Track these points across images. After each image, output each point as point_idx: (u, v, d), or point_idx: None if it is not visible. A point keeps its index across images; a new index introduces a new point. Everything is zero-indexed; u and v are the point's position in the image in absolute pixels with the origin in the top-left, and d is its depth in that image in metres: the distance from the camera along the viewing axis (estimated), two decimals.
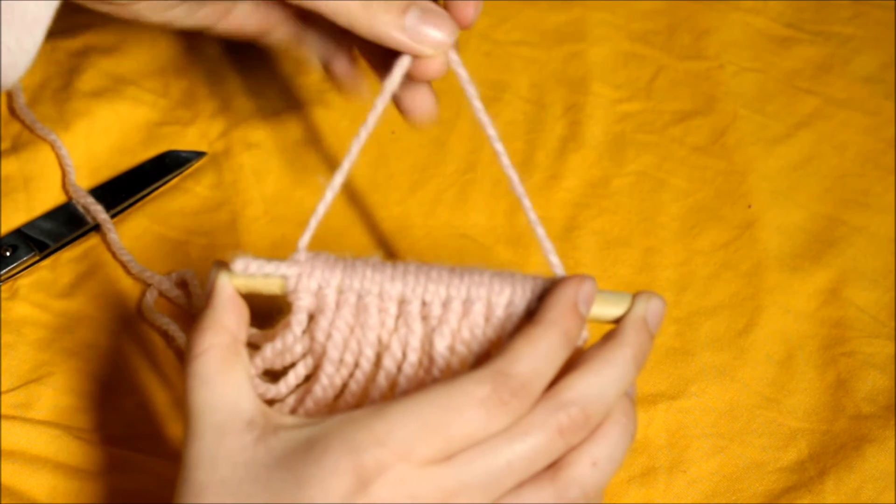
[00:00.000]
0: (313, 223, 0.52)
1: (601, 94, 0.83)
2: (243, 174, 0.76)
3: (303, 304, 0.51)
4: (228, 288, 0.51)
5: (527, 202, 0.53)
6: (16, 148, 0.75)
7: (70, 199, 0.73)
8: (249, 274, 0.51)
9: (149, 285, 0.70)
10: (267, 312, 0.54)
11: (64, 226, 0.72)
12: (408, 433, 0.45)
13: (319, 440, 0.46)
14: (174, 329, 0.67)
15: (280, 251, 0.73)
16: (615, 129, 0.81)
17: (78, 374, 0.66)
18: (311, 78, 0.82)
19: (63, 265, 0.71)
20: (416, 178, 0.78)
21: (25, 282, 0.70)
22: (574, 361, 0.49)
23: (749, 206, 0.77)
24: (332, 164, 0.78)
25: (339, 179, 0.53)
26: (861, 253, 0.74)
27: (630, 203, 0.77)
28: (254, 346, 0.52)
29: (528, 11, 0.88)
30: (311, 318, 0.52)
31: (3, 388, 0.65)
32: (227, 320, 0.50)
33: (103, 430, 0.64)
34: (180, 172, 0.76)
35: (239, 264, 0.51)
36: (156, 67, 0.82)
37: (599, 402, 0.48)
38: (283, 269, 0.51)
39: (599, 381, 0.48)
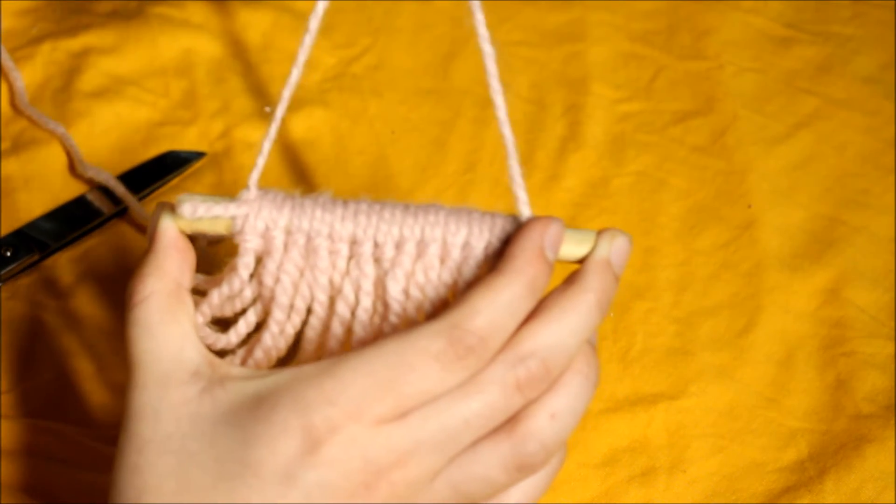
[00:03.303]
0: (261, 161, 0.50)
1: (601, 94, 0.83)
2: (243, 174, 0.76)
3: (249, 245, 0.49)
4: (172, 230, 0.49)
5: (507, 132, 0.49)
6: (16, 148, 0.75)
7: (90, 183, 0.74)
8: (196, 217, 0.48)
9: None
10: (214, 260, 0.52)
11: (64, 226, 0.72)
12: (359, 391, 0.43)
13: (268, 397, 0.44)
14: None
15: None
16: (615, 129, 0.81)
17: (78, 374, 0.66)
18: (311, 78, 0.82)
19: (63, 265, 0.71)
20: (416, 178, 0.78)
21: (26, 282, 0.70)
22: (536, 308, 0.46)
23: (749, 206, 0.77)
24: (331, 165, 0.78)
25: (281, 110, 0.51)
26: (861, 253, 0.74)
27: (630, 203, 0.77)
28: (201, 293, 0.50)
29: (528, 11, 0.88)
30: (259, 260, 0.49)
31: (3, 388, 0.65)
32: (169, 265, 0.48)
33: (103, 430, 0.64)
34: (180, 172, 0.76)
35: (186, 207, 0.48)
36: (156, 67, 0.82)
37: (560, 353, 0.45)
38: (232, 209, 0.48)
39: (561, 330, 0.45)
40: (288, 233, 0.49)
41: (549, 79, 0.84)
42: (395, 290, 0.48)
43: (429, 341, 0.44)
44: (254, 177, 0.50)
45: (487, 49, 0.51)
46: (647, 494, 0.63)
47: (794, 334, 0.70)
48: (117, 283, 0.71)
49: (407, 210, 0.48)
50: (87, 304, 0.69)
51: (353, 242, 0.48)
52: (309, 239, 0.48)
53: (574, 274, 0.47)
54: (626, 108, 0.82)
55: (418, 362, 0.44)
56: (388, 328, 0.48)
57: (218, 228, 0.49)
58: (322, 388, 0.43)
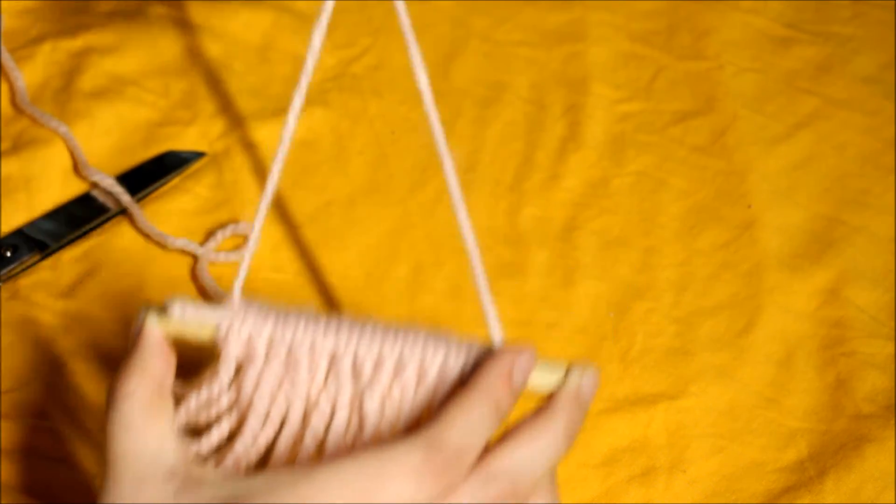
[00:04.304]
0: (243, 272, 0.51)
1: (601, 94, 0.83)
2: (243, 174, 0.76)
3: (232, 352, 0.49)
4: (157, 332, 0.50)
5: (478, 269, 0.51)
6: (17, 148, 0.75)
7: (91, 184, 0.74)
8: (183, 318, 0.49)
9: (194, 256, 0.71)
10: (190, 368, 0.52)
11: (65, 226, 0.72)
12: (335, 499, 0.44)
13: (244, 501, 0.45)
14: (217, 291, 0.68)
15: (280, 252, 0.73)
16: (615, 129, 0.81)
17: (78, 374, 0.66)
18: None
19: (64, 265, 0.71)
20: (416, 178, 0.78)
21: (26, 282, 0.70)
22: (505, 431, 0.48)
23: (749, 206, 0.77)
24: (331, 165, 0.78)
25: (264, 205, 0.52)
26: (861, 253, 0.74)
27: (630, 203, 0.77)
28: (177, 399, 0.50)
29: (528, 11, 0.88)
30: (240, 368, 0.50)
31: (3, 388, 0.65)
32: (153, 365, 0.49)
33: (104, 430, 0.64)
34: (180, 172, 0.76)
35: (176, 309, 0.49)
36: (156, 67, 0.82)
37: (528, 476, 0.47)
38: (218, 315, 0.49)
39: (530, 454, 0.47)
40: (271, 343, 0.50)
41: (549, 79, 0.84)
42: (370, 407, 0.49)
43: (407, 454, 0.45)
44: (237, 285, 0.51)
45: (423, 80, 0.54)
46: (647, 494, 0.63)
47: (794, 334, 0.70)
48: (118, 283, 0.71)
49: (388, 330, 0.50)
50: (87, 304, 0.69)
51: (334, 357, 0.49)
52: (290, 351, 0.49)
53: (545, 404, 0.49)
54: (626, 108, 0.82)
55: (396, 474, 0.44)
56: (360, 444, 0.49)
57: (202, 334, 0.50)
58: (297, 494, 0.44)
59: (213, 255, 0.71)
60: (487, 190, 0.77)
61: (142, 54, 0.82)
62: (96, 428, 0.64)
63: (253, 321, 0.50)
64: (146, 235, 0.72)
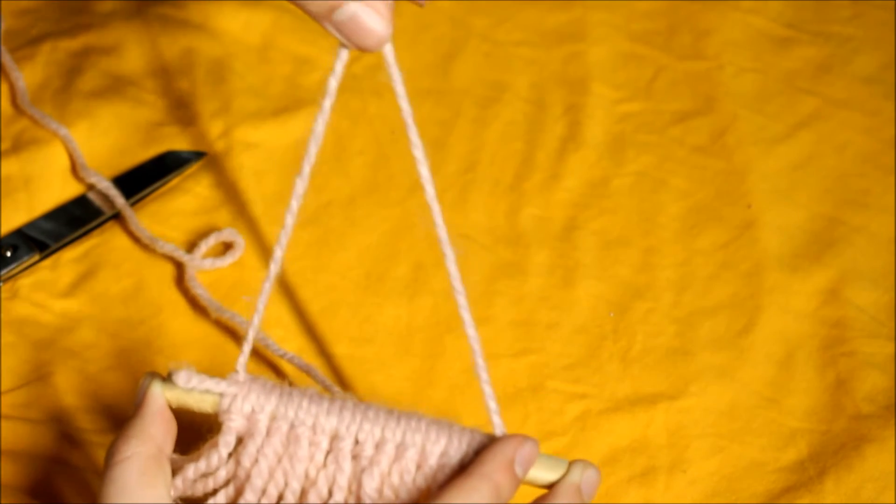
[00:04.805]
0: (247, 348, 0.51)
1: (601, 94, 0.83)
2: (243, 174, 0.76)
3: (233, 425, 0.50)
4: (160, 399, 0.50)
5: (468, 319, 0.51)
6: (16, 148, 0.75)
7: (88, 186, 0.74)
8: (188, 387, 0.50)
9: (180, 263, 0.70)
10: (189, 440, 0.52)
11: (64, 226, 0.72)
12: None
13: None
14: (209, 300, 0.68)
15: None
16: (615, 129, 0.81)
17: (78, 374, 0.66)
18: (311, 78, 0.82)
19: (63, 265, 0.71)
20: (416, 178, 0.77)
21: (26, 282, 0.70)
22: None
23: (749, 206, 0.77)
24: (331, 165, 0.78)
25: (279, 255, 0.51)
26: (861, 253, 0.74)
27: (630, 203, 0.77)
28: (175, 468, 0.51)
29: (528, 11, 0.88)
30: (240, 441, 0.50)
31: (3, 388, 0.65)
32: (154, 430, 0.49)
33: (104, 431, 0.64)
34: (180, 172, 0.76)
35: (181, 376, 0.50)
36: (156, 67, 0.82)
37: None
38: (222, 387, 0.50)
39: None
40: (273, 419, 0.50)
41: (549, 79, 0.84)
42: (369, 489, 0.49)
43: None
44: (241, 361, 0.51)
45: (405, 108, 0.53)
46: (647, 494, 0.63)
47: (794, 334, 0.70)
48: (117, 284, 0.71)
49: (391, 413, 0.50)
50: (87, 304, 0.69)
51: (335, 437, 0.49)
52: (292, 427, 0.50)
53: (546, 494, 0.49)
54: (626, 108, 0.82)
55: None
56: None
57: (204, 405, 0.50)
58: None
59: (199, 262, 0.70)
60: (487, 190, 0.77)
61: (142, 54, 0.82)
62: (94, 428, 0.64)
63: (256, 396, 0.50)
64: (137, 239, 0.72)
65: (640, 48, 0.86)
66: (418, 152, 0.53)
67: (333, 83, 0.52)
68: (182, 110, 0.80)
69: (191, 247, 0.72)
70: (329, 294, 0.71)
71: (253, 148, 0.78)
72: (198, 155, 0.77)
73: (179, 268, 0.71)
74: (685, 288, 0.72)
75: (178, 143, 0.78)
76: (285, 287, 0.71)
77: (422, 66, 0.84)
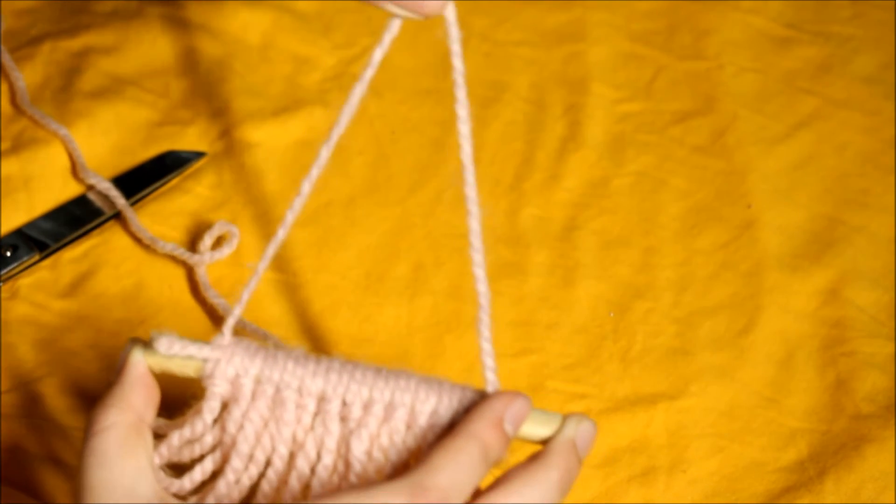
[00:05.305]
0: (237, 310, 0.50)
1: (601, 94, 0.83)
2: (243, 174, 0.76)
3: (217, 390, 0.49)
4: (141, 366, 0.49)
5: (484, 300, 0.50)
6: (16, 148, 0.75)
7: (88, 187, 0.74)
8: (170, 353, 0.49)
9: (190, 265, 0.71)
10: (174, 404, 0.52)
11: (64, 226, 0.72)
12: None
13: None
14: (225, 305, 0.68)
15: (280, 252, 0.73)
16: (615, 129, 0.81)
17: (78, 374, 0.66)
18: (311, 78, 0.82)
19: (63, 265, 0.71)
20: (416, 178, 0.78)
21: (26, 282, 0.70)
22: (497, 479, 0.47)
23: (749, 206, 0.77)
24: (331, 165, 0.77)
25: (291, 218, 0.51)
26: (861, 253, 0.74)
27: (630, 203, 0.77)
28: (160, 436, 0.50)
29: (528, 11, 0.88)
30: (225, 407, 0.49)
31: (3, 388, 0.65)
32: (134, 399, 0.48)
33: None
34: (180, 172, 0.76)
35: (162, 342, 0.48)
36: (156, 67, 0.82)
37: None
38: (206, 351, 0.49)
39: (522, 502, 0.46)
40: (257, 382, 0.49)
41: (549, 79, 0.84)
42: (358, 451, 0.48)
43: (391, 497, 0.44)
44: (229, 323, 0.50)
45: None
46: (647, 494, 0.63)
47: (794, 334, 0.70)
48: (117, 283, 0.71)
49: (379, 373, 0.49)
50: (87, 304, 0.69)
51: (322, 399, 0.48)
52: (278, 390, 0.49)
53: (540, 452, 0.48)
54: (626, 108, 0.82)
55: None
56: (346, 487, 0.48)
57: (187, 370, 0.49)
58: None
59: (199, 257, 0.70)
60: (487, 190, 0.77)
61: (142, 54, 0.82)
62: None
63: (240, 359, 0.49)
64: (137, 239, 0.72)
65: (640, 48, 0.86)
66: (462, 111, 0.53)
67: (379, 54, 0.51)
68: (182, 110, 0.80)
69: (191, 247, 0.72)
70: (329, 294, 0.71)
71: (253, 148, 0.78)
72: (198, 155, 0.77)
73: (188, 270, 0.71)
74: (685, 288, 0.72)
75: (178, 143, 0.78)
76: (285, 287, 0.71)
77: (422, 66, 0.84)
